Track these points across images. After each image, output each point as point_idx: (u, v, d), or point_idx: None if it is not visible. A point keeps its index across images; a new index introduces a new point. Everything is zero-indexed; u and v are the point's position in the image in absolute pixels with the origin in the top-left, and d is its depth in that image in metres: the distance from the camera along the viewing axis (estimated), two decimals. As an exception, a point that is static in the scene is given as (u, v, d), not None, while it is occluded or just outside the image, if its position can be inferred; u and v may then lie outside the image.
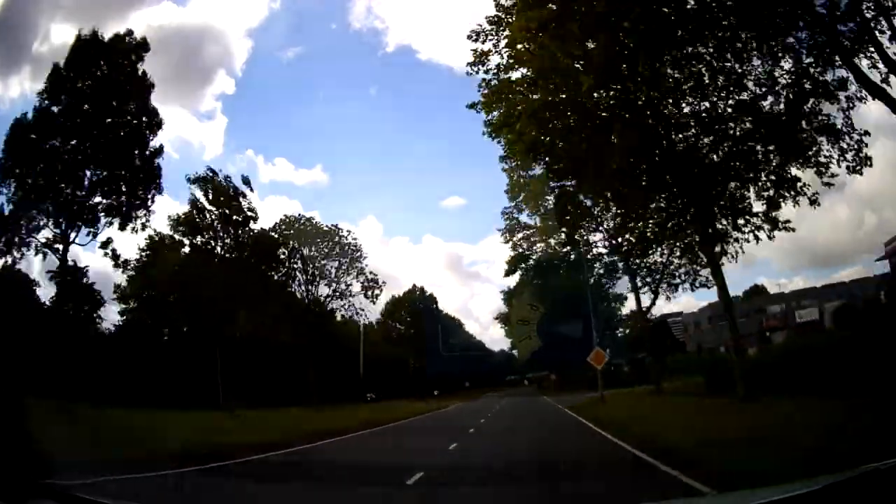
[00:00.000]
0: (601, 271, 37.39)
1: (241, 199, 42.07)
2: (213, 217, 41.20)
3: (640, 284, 34.34)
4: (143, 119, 37.20)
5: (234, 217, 41.48)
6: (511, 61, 22.28)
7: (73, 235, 36.20)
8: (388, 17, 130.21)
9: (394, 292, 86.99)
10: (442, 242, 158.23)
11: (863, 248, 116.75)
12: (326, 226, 53.27)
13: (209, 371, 48.06)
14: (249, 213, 42.29)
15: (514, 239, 34.95)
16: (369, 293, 53.38)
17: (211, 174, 41.77)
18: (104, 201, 35.81)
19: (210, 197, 41.04)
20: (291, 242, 50.70)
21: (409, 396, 67.30)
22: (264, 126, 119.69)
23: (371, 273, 54.14)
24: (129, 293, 51.74)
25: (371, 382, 68.59)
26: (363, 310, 53.85)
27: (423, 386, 77.89)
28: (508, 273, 37.23)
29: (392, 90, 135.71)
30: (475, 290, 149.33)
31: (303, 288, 51.30)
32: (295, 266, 50.73)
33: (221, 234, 41.21)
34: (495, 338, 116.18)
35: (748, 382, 19.72)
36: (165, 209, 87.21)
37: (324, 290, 52.82)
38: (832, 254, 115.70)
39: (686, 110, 22.27)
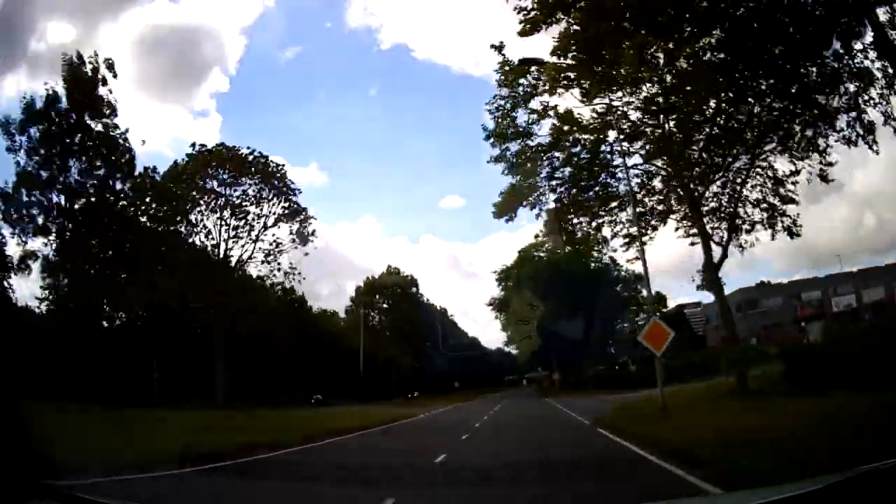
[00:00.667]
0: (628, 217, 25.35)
1: (99, 86, 30.16)
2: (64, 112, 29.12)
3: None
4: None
5: (85, 112, 29.46)
6: None
7: None
8: (384, 16, 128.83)
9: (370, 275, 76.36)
10: (441, 242, 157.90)
11: (863, 249, 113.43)
12: (250, 155, 40.46)
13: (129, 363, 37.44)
14: (105, 110, 30.15)
15: (508, 153, 22.60)
16: (297, 232, 40.96)
17: (78, 62, 30.02)
18: None
19: (67, 85, 29.25)
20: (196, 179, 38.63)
21: (384, 398, 56.12)
22: (259, 124, 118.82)
23: (294, 200, 41.73)
24: (58, 266, 40.70)
25: (336, 380, 57.09)
26: (295, 269, 41.72)
27: (403, 386, 67.12)
28: (501, 214, 24.70)
29: (389, 89, 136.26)
30: (474, 291, 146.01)
31: (205, 239, 39.09)
32: (195, 208, 38.63)
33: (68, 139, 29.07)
34: (494, 338, 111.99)
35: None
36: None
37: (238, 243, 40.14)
38: (833, 254, 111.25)
39: None
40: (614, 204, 25.56)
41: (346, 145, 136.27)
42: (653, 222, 26.47)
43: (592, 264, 60.26)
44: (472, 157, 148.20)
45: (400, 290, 71.99)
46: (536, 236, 58.10)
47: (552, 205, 23.73)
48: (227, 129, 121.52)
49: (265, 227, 40.35)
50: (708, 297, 79.29)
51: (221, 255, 38.46)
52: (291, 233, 41.46)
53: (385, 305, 72.22)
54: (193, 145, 40.05)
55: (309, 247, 43.36)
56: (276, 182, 40.06)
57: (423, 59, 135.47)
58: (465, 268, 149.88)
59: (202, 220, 38.79)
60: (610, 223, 25.86)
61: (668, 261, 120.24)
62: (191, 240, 38.62)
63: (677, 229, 25.99)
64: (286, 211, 40.72)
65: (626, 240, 25.92)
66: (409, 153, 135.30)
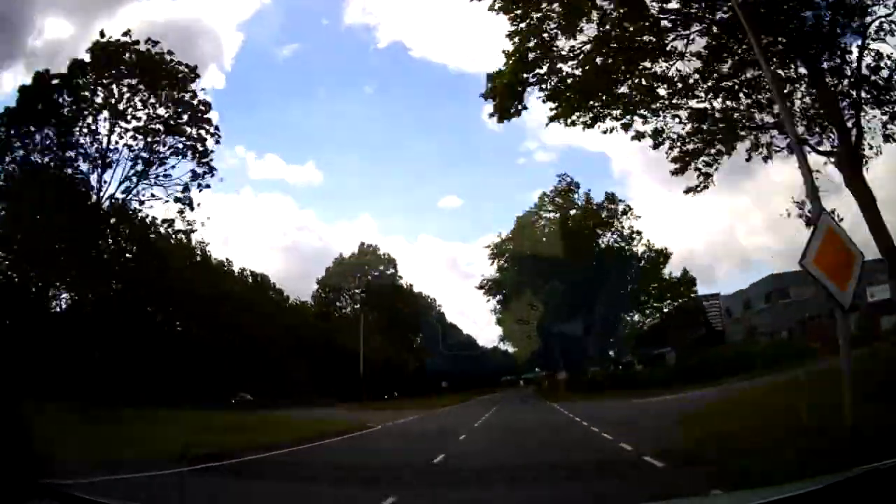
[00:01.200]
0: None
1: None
2: None
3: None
4: None
5: None
6: None
7: None
8: (381, 14, 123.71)
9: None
10: (439, 242, 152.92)
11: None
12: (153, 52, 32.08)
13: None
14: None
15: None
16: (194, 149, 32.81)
17: None
18: None
19: None
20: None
21: (355, 399, 47.63)
22: (256, 122, 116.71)
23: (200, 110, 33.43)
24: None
25: (300, 376, 48.48)
26: (190, 200, 33.70)
27: (382, 384, 58.60)
28: (503, 109, 16.30)
29: (386, 87, 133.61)
30: (472, 291, 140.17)
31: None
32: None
33: None
34: (492, 339, 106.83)
35: None
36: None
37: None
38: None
39: None
40: (658, 105, 16.96)
41: (344, 143, 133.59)
42: (716, 143, 17.89)
43: (602, 241, 52.56)
44: (470, 157, 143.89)
45: (377, 273, 62.73)
46: (543, 196, 50.34)
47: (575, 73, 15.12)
48: (222, 126, 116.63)
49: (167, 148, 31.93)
50: (726, 288, 70.59)
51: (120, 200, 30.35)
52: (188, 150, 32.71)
53: (359, 291, 62.97)
54: (96, 42, 31.59)
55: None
56: (178, 90, 31.51)
57: (420, 58, 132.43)
58: (464, 268, 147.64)
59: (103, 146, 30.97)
60: (654, 135, 17.30)
61: (683, 249, 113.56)
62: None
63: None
64: (184, 117, 32.03)
65: (681, 160, 17.35)
66: (407, 152, 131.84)
